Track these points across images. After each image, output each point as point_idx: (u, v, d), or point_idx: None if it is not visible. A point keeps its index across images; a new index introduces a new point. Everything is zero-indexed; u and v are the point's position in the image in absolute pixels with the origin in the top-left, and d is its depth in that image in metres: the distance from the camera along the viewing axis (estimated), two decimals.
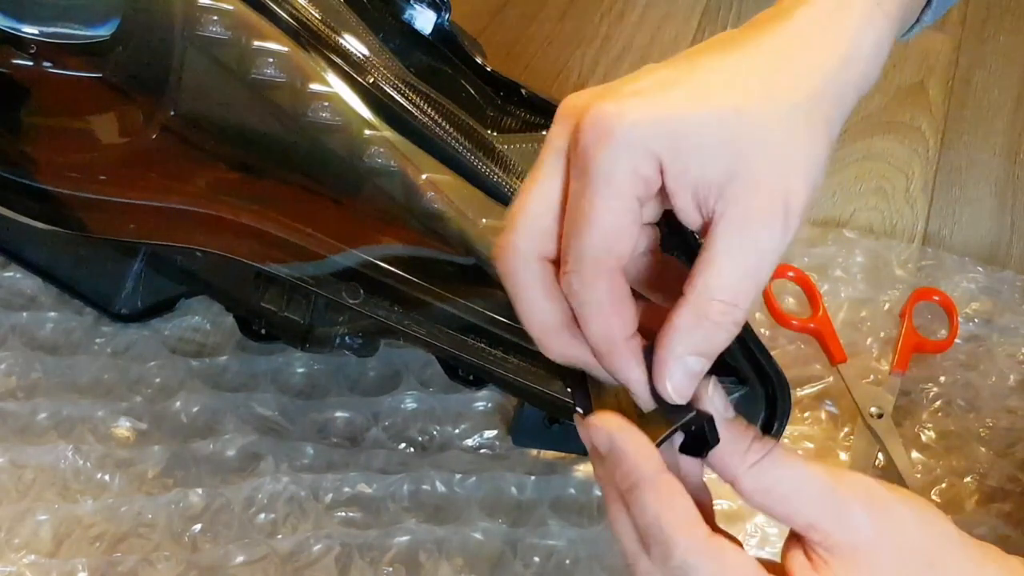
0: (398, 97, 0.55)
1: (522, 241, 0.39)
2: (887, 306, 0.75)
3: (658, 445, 0.38)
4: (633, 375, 0.38)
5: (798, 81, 0.38)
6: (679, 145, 0.37)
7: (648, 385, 0.38)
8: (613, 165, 0.37)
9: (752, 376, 0.55)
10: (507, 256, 0.39)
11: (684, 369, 0.38)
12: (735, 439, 0.39)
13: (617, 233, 0.37)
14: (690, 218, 0.38)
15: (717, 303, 0.37)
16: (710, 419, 0.38)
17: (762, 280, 0.37)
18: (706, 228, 0.37)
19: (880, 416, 0.68)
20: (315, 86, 0.55)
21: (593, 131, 0.37)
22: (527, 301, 0.39)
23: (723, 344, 0.38)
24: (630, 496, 0.38)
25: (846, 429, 0.69)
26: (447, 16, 0.58)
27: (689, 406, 0.39)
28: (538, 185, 0.39)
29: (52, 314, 0.69)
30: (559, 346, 0.40)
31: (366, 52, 0.56)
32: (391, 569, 0.60)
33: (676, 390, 0.38)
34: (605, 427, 0.39)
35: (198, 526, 0.61)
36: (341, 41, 0.56)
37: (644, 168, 0.37)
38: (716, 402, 0.39)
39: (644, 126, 0.37)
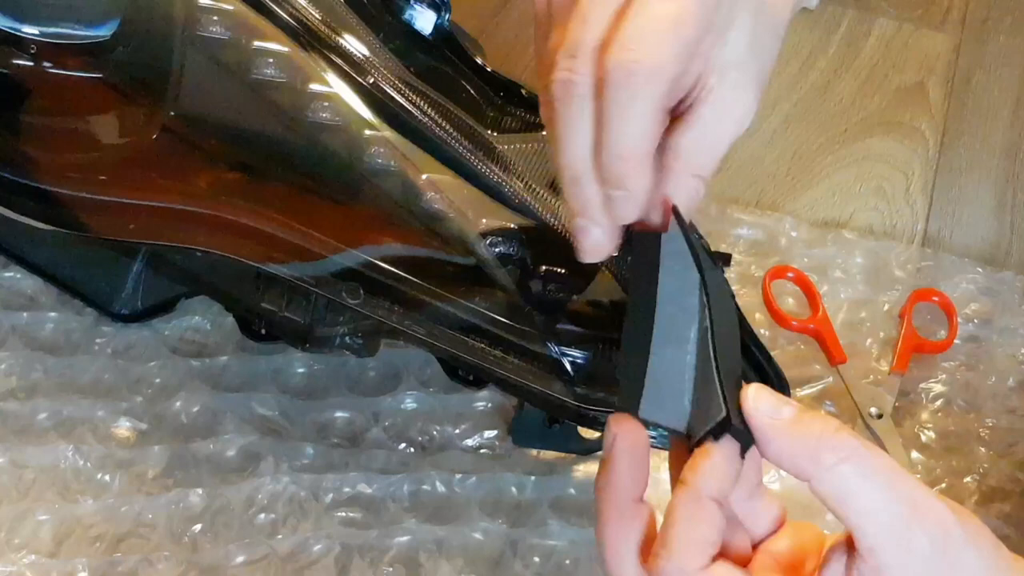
0: (398, 97, 0.55)
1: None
2: (887, 307, 0.75)
3: (692, 449, 0.39)
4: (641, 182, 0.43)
5: None
6: None
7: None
8: None
9: (752, 376, 0.55)
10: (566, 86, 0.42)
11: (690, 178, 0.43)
12: (806, 437, 0.38)
13: None
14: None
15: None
16: (726, 422, 0.38)
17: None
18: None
19: (880, 416, 0.68)
20: (315, 86, 0.55)
21: None
22: (574, 130, 0.43)
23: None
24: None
25: None
26: (447, 16, 0.59)
27: (719, 413, 0.39)
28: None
29: (52, 314, 0.68)
30: (587, 182, 0.43)
31: (366, 52, 0.56)
32: (391, 569, 0.60)
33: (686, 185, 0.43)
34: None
35: (198, 526, 0.61)
36: (341, 41, 0.56)
37: None
38: (762, 407, 0.39)
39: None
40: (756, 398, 0.39)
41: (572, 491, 0.65)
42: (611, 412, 0.57)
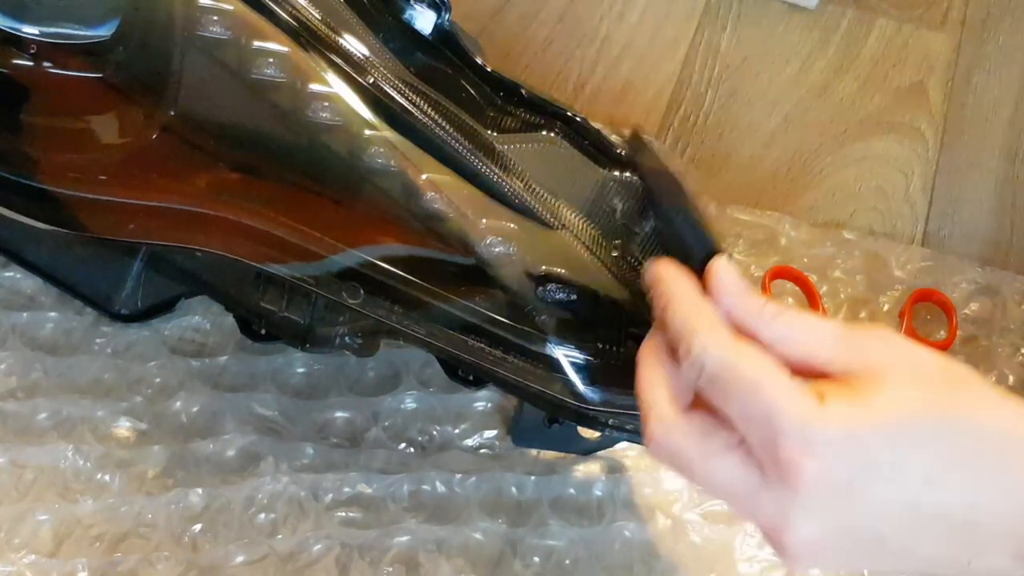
0: (398, 97, 0.55)
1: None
2: (886, 307, 0.75)
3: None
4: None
5: None
6: None
7: None
8: None
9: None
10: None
11: None
12: (752, 303, 0.44)
13: None
14: None
15: None
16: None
17: None
18: None
19: None
20: (315, 86, 0.55)
21: None
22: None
23: None
24: (666, 313, 0.44)
25: None
26: (447, 16, 0.59)
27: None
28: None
29: (52, 314, 0.68)
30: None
31: (366, 52, 0.56)
32: (391, 569, 0.60)
33: None
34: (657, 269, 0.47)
35: (198, 526, 0.61)
36: (341, 41, 0.56)
37: None
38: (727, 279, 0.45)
39: None
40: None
41: (572, 491, 0.65)
42: (610, 412, 0.57)
